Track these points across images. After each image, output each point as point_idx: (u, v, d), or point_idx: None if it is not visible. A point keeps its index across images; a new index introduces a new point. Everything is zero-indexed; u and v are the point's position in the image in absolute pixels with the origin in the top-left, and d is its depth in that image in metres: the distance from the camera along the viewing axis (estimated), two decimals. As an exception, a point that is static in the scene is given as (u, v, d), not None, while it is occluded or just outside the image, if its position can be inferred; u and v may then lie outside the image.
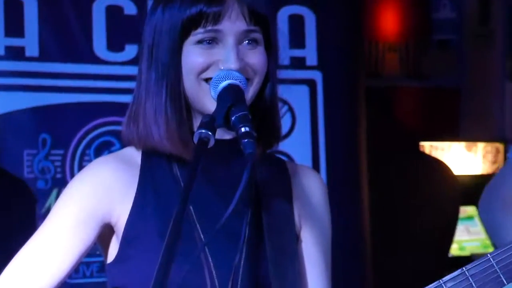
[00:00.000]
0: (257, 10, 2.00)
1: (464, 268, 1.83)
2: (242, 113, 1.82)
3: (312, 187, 2.19)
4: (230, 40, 1.95)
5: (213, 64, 1.96)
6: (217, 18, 1.94)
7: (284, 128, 5.24)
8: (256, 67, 1.99)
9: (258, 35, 2.00)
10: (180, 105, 2.00)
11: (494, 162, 6.68)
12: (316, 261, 2.13)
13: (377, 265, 5.69)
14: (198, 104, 1.99)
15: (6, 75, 5.01)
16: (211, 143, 1.79)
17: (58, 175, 5.00)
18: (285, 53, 5.37)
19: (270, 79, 2.06)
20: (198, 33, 1.96)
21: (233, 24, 1.96)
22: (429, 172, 6.41)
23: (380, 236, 5.84)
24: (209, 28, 1.95)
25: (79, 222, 2.02)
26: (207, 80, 1.96)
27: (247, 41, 1.98)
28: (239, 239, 1.98)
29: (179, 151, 1.99)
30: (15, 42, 5.05)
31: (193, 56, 1.97)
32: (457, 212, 6.44)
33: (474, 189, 6.63)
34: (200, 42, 1.97)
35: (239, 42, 1.97)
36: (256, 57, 1.99)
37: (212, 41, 1.96)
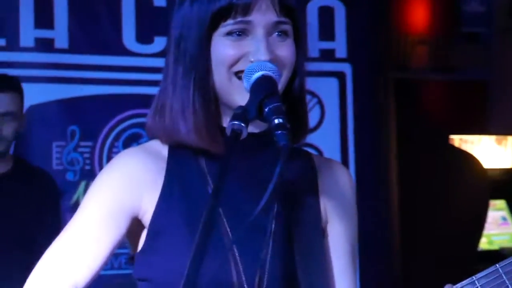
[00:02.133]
0: (287, 2, 1.98)
1: (497, 265, 1.81)
2: (276, 104, 1.78)
3: (339, 182, 2.17)
4: (260, 32, 1.93)
5: (243, 56, 1.93)
6: (247, 10, 1.92)
7: (313, 121, 5.30)
8: (286, 59, 1.96)
9: (288, 27, 1.98)
10: (209, 99, 1.97)
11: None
12: (343, 255, 2.12)
13: (406, 259, 5.68)
14: (228, 98, 1.96)
15: (36, 67, 5.06)
16: (244, 135, 1.76)
17: (87, 167, 5.04)
18: (315, 45, 5.41)
19: (298, 72, 2.04)
20: (228, 25, 1.93)
21: (263, 16, 1.93)
22: (459, 166, 6.39)
23: (409, 231, 5.83)
24: (239, 19, 1.92)
25: (110, 214, 2.02)
26: (237, 74, 1.94)
27: (277, 33, 1.95)
28: (265, 233, 1.98)
29: (206, 145, 1.97)
30: (44, 34, 5.10)
31: (223, 48, 1.94)
32: (486, 205, 6.42)
33: (504, 182, 6.62)
34: (229, 33, 1.94)
35: (269, 34, 1.94)
36: (285, 50, 1.96)
37: (242, 32, 1.94)
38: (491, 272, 1.81)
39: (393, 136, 5.83)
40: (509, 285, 1.79)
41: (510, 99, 6.57)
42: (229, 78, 1.94)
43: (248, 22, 1.93)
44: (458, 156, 6.52)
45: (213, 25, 1.94)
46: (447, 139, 6.60)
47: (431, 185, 5.98)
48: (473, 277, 1.82)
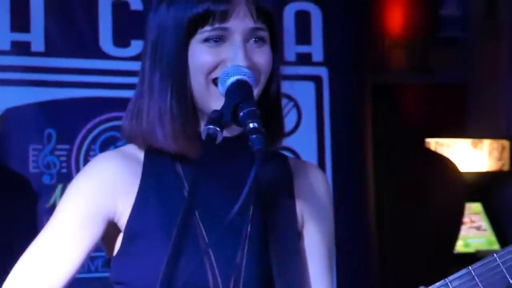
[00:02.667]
0: (264, 8, 1.99)
1: (470, 267, 1.82)
2: (251, 108, 1.80)
3: (315, 184, 2.18)
4: (237, 38, 1.94)
5: (221, 62, 1.94)
6: (224, 16, 1.93)
7: (290, 124, 5.32)
8: (263, 66, 1.97)
9: (264, 33, 1.99)
10: (187, 105, 1.98)
11: (500, 159, 6.67)
12: (319, 257, 2.13)
13: (382, 261, 5.70)
14: (205, 105, 1.97)
15: (12, 70, 5.03)
16: (219, 139, 1.78)
17: (64, 170, 5.02)
18: (291, 49, 5.42)
19: (274, 76, 2.05)
20: (205, 31, 1.94)
21: (240, 22, 1.94)
22: (435, 169, 6.43)
23: (385, 233, 5.86)
24: (217, 26, 1.93)
25: (86, 219, 2.03)
26: (214, 80, 1.94)
27: (254, 39, 1.97)
28: (240, 236, 1.99)
29: (183, 151, 1.99)
30: (21, 37, 5.07)
31: (200, 54, 1.96)
32: (462, 208, 6.46)
33: (479, 186, 6.66)
34: (206, 40, 1.95)
35: (246, 40, 1.96)
36: (262, 56, 1.98)
37: (219, 39, 1.95)
38: (463, 274, 1.83)
39: (369, 139, 5.84)
40: (507, 274, 1.81)
41: (486, 102, 6.60)
42: (207, 85, 1.95)
43: (225, 29, 1.94)
44: (434, 159, 6.55)
45: (190, 32, 1.95)
46: (423, 142, 6.64)
47: (407, 188, 6.02)
48: (446, 279, 1.84)
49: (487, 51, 6.70)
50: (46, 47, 5.08)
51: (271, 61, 2.00)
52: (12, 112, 4.88)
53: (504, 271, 1.80)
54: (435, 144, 6.67)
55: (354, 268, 5.23)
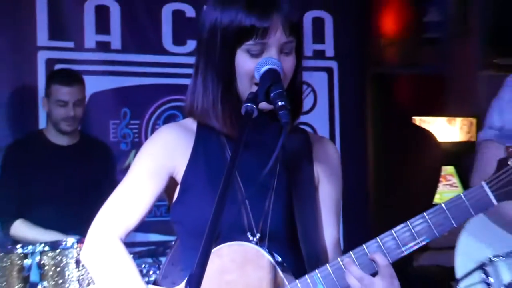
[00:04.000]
0: (294, 23, 1.96)
1: (442, 204, 1.81)
2: (279, 90, 1.80)
3: (328, 153, 2.16)
4: (273, 51, 1.91)
5: None
6: (265, 34, 1.89)
7: (308, 105, 5.31)
8: (287, 71, 1.94)
9: (293, 45, 1.96)
10: (234, 100, 1.97)
11: (469, 132, 6.66)
12: (330, 207, 2.12)
13: (378, 213, 5.71)
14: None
15: (96, 63, 5.07)
16: (255, 114, 1.79)
17: (136, 139, 5.07)
18: (309, 47, 5.39)
19: (297, 72, 2.03)
20: (249, 44, 1.90)
21: (277, 37, 1.91)
22: (419, 139, 6.41)
23: (381, 190, 5.85)
24: (259, 41, 1.90)
25: (153, 173, 2.03)
26: (257, 84, 1.91)
27: (285, 50, 1.94)
28: (268, 190, 2.00)
29: (229, 132, 1.98)
30: (103, 38, 5.11)
31: (244, 63, 1.93)
32: (439, 170, 6.44)
33: (453, 153, 6.62)
34: (248, 51, 1.91)
35: (280, 50, 1.92)
36: (288, 64, 1.95)
37: (259, 50, 1.91)
38: (437, 209, 1.82)
39: (369, 116, 5.84)
40: (450, 217, 1.80)
41: (459, 89, 6.55)
42: (250, 86, 1.93)
43: (264, 44, 1.90)
44: (418, 132, 6.53)
45: (237, 42, 1.92)
46: (410, 119, 6.61)
47: (398, 154, 5.99)
48: (424, 213, 1.83)
49: (460, 49, 6.65)
50: (122, 45, 5.13)
51: (294, 67, 1.98)
52: (97, 96, 4.91)
53: (468, 206, 1.80)
54: (419, 121, 6.64)
55: (356, 215, 5.23)
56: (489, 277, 2.69)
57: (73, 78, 4.29)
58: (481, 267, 2.70)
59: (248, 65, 1.93)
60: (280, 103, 1.77)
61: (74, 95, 4.22)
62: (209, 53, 1.99)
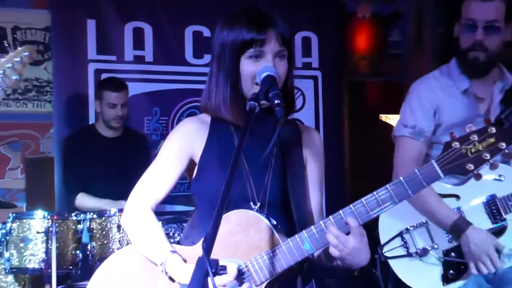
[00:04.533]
0: (285, 37, 1.97)
1: (401, 178, 1.81)
2: (276, 91, 1.81)
3: (314, 139, 2.16)
4: (269, 57, 1.93)
5: None
6: (262, 43, 1.92)
7: (298, 105, 5.28)
8: (281, 74, 1.96)
9: (285, 53, 1.97)
10: (239, 95, 1.98)
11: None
12: (315, 181, 2.12)
13: (352, 184, 5.71)
14: (250, 94, 1.93)
15: (134, 73, 5.05)
16: (257, 110, 1.79)
17: (164, 132, 5.08)
18: (299, 60, 5.39)
19: (289, 77, 2.03)
20: (250, 52, 1.93)
21: (271, 46, 1.93)
22: (385, 132, 6.38)
23: (354, 167, 5.84)
24: (258, 49, 1.92)
25: (177, 155, 2.04)
26: (257, 84, 1.92)
27: (279, 58, 1.95)
28: (267, 168, 2.00)
29: (236, 121, 1.98)
30: (139, 53, 5.10)
31: (247, 67, 1.94)
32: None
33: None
34: (251, 57, 1.93)
35: (274, 57, 1.94)
36: (281, 68, 1.96)
37: (258, 56, 1.93)
38: (397, 182, 1.81)
39: (346, 114, 5.82)
40: (407, 188, 1.80)
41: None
42: (251, 85, 1.94)
43: (262, 51, 1.93)
44: (384, 126, 6.50)
45: (241, 51, 1.93)
46: (378, 116, 6.58)
47: (367, 142, 5.98)
48: (387, 185, 1.82)
49: (416, 62, 6.61)
50: (154, 59, 5.12)
51: (286, 71, 1.99)
52: (135, 98, 4.87)
53: (421, 179, 1.79)
54: (384, 117, 6.60)
55: (336, 187, 5.19)
56: (407, 243, 2.67)
57: (120, 85, 4.29)
58: (400, 234, 2.68)
59: (250, 68, 1.94)
60: (276, 101, 1.78)
61: (121, 98, 4.23)
62: (220, 62, 1.99)
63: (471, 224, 2.57)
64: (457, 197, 2.64)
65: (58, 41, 4.85)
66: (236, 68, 1.96)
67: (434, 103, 2.77)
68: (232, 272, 1.78)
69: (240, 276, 1.85)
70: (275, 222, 1.91)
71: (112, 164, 4.28)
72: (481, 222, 2.59)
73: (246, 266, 1.87)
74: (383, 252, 2.67)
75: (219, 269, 1.50)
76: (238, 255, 1.88)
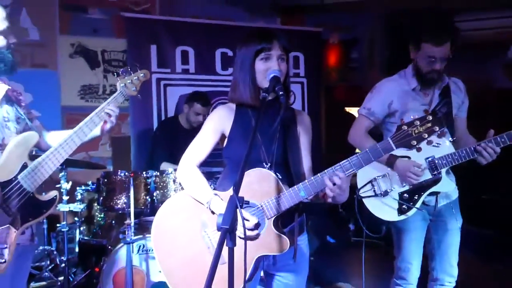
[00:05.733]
0: (285, 46, 1.93)
1: (367, 149, 1.79)
2: (280, 86, 1.79)
3: (305, 119, 2.11)
4: (274, 58, 1.90)
5: (268, 69, 1.90)
6: (269, 50, 1.89)
7: (290, 101, 5.22)
8: (283, 71, 1.92)
9: (284, 56, 1.93)
10: (256, 87, 1.93)
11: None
12: (306, 148, 2.08)
13: (327, 154, 5.69)
14: (263, 87, 1.92)
15: (182, 80, 4.98)
16: (268, 98, 1.78)
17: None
18: (291, 71, 5.33)
19: (287, 76, 1.99)
20: (261, 56, 1.90)
21: (276, 52, 1.89)
22: (348, 120, 6.36)
23: (329, 143, 5.82)
24: (267, 53, 1.89)
25: (213, 131, 2.01)
26: (268, 80, 1.89)
27: (280, 59, 1.92)
28: (274, 139, 1.95)
29: (254, 105, 1.94)
30: (184, 67, 5.02)
31: (260, 66, 1.90)
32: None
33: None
34: (262, 59, 1.90)
35: (277, 59, 1.90)
36: (283, 67, 1.92)
37: (267, 59, 1.90)
38: (364, 152, 1.80)
39: (322, 108, 5.77)
40: (370, 156, 1.78)
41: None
42: (263, 78, 1.89)
43: (270, 54, 1.89)
44: (348, 115, 6.48)
45: (255, 56, 1.90)
46: (344, 109, 6.55)
47: (338, 127, 5.96)
48: (356, 154, 1.80)
49: (369, 73, 6.57)
50: (195, 70, 5.04)
51: (286, 69, 1.95)
52: (182, 98, 4.84)
53: (380, 150, 1.78)
54: (348, 109, 6.57)
55: (315, 160, 5.20)
56: (374, 187, 2.66)
57: (208, 101, 4.21)
58: (370, 182, 2.67)
59: (262, 67, 1.91)
60: (280, 93, 1.76)
61: (205, 111, 4.10)
62: (242, 66, 1.95)
63: (398, 157, 2.61)
64: (408, 157, 2.62)
65: (131, 59, 4.78)
66: (253, 67, 1.92)
67: (390, 96, 2.75)
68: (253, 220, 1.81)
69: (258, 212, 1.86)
70: (280, 176, 1.88)
71: (185, 145, 4.18)
72: (424, 174, 2.59)
73: (260, 206, 1.86)
74: (359, 193, 2.66)
75: (244, 204, 1.50)
76: (255, 198, 1.86)
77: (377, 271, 3.61)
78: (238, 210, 1.43)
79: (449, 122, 2.71)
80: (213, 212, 1.90)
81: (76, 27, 5.06)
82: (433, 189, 2.61)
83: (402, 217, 2.62)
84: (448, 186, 2.64)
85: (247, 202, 1.80)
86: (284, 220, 1.92)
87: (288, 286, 2.01)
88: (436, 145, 2.58)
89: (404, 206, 2.61)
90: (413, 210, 2.61)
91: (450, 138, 2.62)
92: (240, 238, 1.70)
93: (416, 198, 2.61)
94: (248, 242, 1.82)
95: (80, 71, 5.07)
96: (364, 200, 2.66)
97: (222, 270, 1.43)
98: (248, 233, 1.81)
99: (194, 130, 4.25)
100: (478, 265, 4.66)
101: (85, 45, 5.11)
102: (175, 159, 4.07)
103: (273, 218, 1.87)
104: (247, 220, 1.79)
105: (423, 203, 2.64)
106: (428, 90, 2.74)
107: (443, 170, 2.62)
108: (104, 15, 5.19)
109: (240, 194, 1.49)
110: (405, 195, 2.63)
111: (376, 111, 2.78)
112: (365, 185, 2.68)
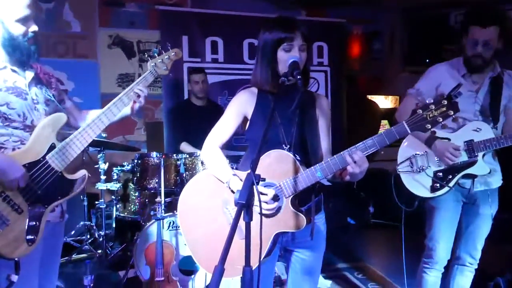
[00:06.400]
0: (306, 35, 1.86)
1: (382, 132, 1.71)
2: (298, 71, 1.73)
3: (323, 103, 2.03)
4: (296, 49, 1.83)
5: (290, 58, 1.82)
6: (291, 40, 1.82)
7: (314, 89, 5.12)
8: (302, 59, 1.85)
9: (305, 47, 1.86)
10: (274, 74, 1.87)
11: (395, 103, 6.39)
12: (325, 131, 2.00)
13: (348, 136, 5.59)
14: (283, 73, 1.86)
15: (212, 69, 4.95)
16: (286, 83, 1.71)
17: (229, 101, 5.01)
18: (315, 59, 5.22)
19: (307, 64, 1.92)
20: (284, 45, 1.83)
21: (297, 42, 1.83)
22: (370, 106, 6.25)
23: (349, 127, 5.71)
24: (289, 43, 1.83)
25: (236, 113, 1.98)
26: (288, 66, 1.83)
27: (301, 49, 1.85)
28: (292, 121, 1.89)
29: (274, 90, 1.89)
30: (214, 56, 5.01)
31: (282, 56, 1.84)
32: (379, 121, 6.26)
33: (387, 113, 6.38)
34: (283, 49, 1.84)
35: (299, 49, 1.84)
36: (303, 56, 1.85)
37: (289, 50, 1.84)
38: (379, 135, 1.73)
39: (344, 95, 5.65)
40: (385, 139, 1.72)
41: (390, 82, 6.31)
42: (285, 67, 1.82)
43: (292, 45, 1.83)
44: (370, 103, 6.33)
45: (277, 45, 1.84)
46: (366, 97, 6.42)
47: (359, 112, 5.89)
48: (372, 137, 1.74)
49: (390, 63, 6.38)
50: (224, 59, 5.02)
51: (306, 57, 1.88)
52: (213, 84, 4.83)
53: (395, 133, 1.71)
54: (370, 97, 6.43)
55: (336, 143, 5.13)
56: (412, 164, 2.61)
57: (199, 70, 4.22)
58: (409, 158, 2.62)
59: (284, 57, 1.85)
60: (298, 77, 1.69)
61: (200, 77, 4.14)
62: (264, 53, 1.89)
63: (438, 138, 2.55)
64: (448, 139, 2.55)
65: (165, 50, 4.82)
66: (274, 56, 1.86)
67: (438, 79, 2.64)
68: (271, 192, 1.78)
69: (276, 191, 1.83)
70: (298, 158, 1.84)
71: (200, 123, 4.18)
72: (461, 155, 2.53)
73: (279, 185, 1.82)
74: (397, 168, 2.61)
75: (260, 180, 1.45)
76: (274, 178, 1.83)
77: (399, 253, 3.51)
78: (254, 186, 1.39)
79: (495, 112, 2.59)
80: (233, 191, 1.87)
81: (114, 20, 5.10)
82: (467, 171, 2.52)
83: (435, 194, 2.54)
84: (482, 170, 2.52)
85: (263, 179, 1.76)
86: (302, 199, 1.88)
87: (305, 261, 1.98)
88: (477, 130, 2.49)
89: (436, 184, 2.53)
90: (445, 189, 2.52)
91: (492, 125, 2.52)
92: (260, 214, 1.67)
93: (450, 177, 2.53)
94: (267, 219, 1.78)
95: (118, 61, 5.12)
96: (401, 175, 2.61)
97: (243, 244, 1.40)
98: (268, 206, 1.77)
99: (205, 107, 4.26)
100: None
101: (122, 37, 5.14)
102: (193, 138, 4.08)
103: (291, 197, 1.82)
104: (264, 194, 1.76)
105: (458, 184, 2.56)
106: (478, 78, 2.60)
107: (480, 154, 2.51)
108: (140, 9, 5.21)
109: (262, 174, 1.46)
110: (439, 173, 2.55)
111: (423, 92, 2.68)
112: (404, 161, 2.63)
